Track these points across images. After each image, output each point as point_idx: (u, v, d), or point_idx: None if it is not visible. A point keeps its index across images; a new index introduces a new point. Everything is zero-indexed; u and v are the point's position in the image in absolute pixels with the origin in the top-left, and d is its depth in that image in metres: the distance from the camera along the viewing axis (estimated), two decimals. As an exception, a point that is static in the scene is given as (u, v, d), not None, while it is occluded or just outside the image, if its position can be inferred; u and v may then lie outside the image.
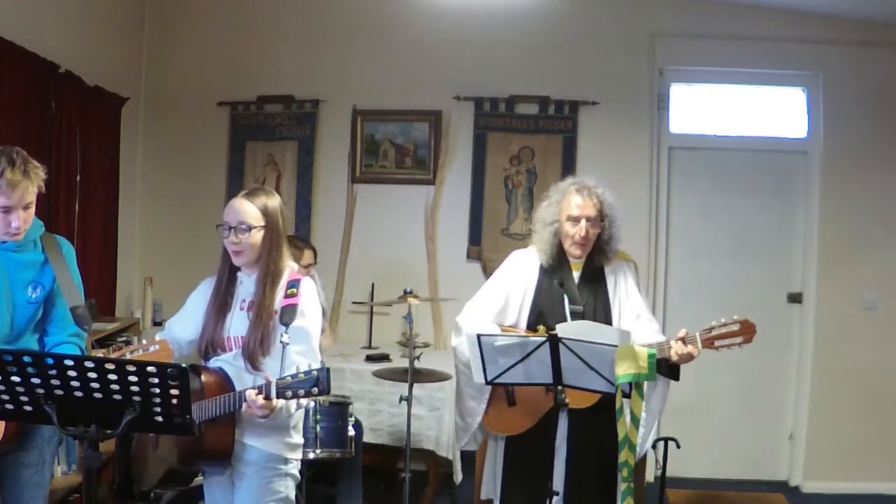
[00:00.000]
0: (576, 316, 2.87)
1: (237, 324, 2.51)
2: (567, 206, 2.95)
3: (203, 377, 2.42)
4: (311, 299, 2.51)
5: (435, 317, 5.03)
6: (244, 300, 2.53)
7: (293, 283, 2.50)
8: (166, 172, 5.26)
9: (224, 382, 2.44)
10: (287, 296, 2.47)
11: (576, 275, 3.00)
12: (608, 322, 2.93)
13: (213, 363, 2.52)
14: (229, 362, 2.50)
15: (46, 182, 2.51)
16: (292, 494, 2.53)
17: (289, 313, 2.42)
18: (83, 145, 4.33)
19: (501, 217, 5.01)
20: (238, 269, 2.57)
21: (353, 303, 4.93)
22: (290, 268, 2.57)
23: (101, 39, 4.69)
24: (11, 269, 2.50)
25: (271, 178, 5.17)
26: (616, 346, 2.52)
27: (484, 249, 5.02)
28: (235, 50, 5.19)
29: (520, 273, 3.05)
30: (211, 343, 2.53)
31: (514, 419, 2.94)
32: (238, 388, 2.40)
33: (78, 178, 4.29)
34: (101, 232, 4.62)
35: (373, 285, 4.92)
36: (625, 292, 3.00)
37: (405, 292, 3.85)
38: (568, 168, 4.88)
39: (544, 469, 2.83)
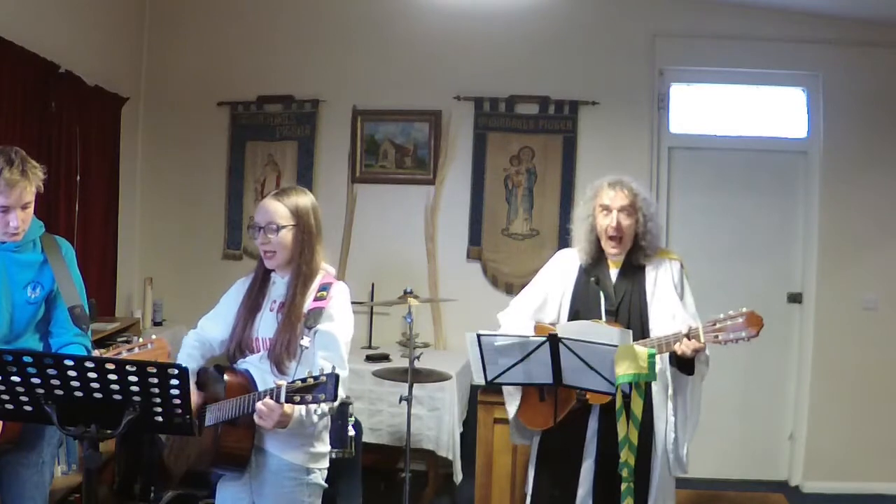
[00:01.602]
0: (610, 315, 2.86)
1: (266, 325, 2.45)
2: (600, 199, 2.94)
3: (227, 377, 2.37)
4: (341, 303, 2.45)
5: (435, 317, 5.03)
6: (274, 301, 2.47)
7: (324, 287, 2.44)
8: (166, 172, 5.27)
9: (248, 384, 2.38)
10: (316, 298, 2.41)
11: (613, 273, 2.96)
12: (643, 321, 2.88)
13: (240, 365, 2.46)
14: (255, 365, 2.43)
15: (46, 182, 2.51)
16: (318, 501, 2.46)
17: (314, 316, 2.37)
18: (83, 145, 4.33)
19: (501, 217, 5.01)
20: (272, 269, 2.51)
21: (353, 303, 4.91)
22: (324, 270, 2.51)
23: (101, 39, 4.70)
24: (11, 269, 2.50)
25: (271, 178, 5.17)
26: (616, 346, 2.52)
27: (484, 249, 5.02)
28: (235, 50, 5.19)
29: (560, 271, 3.05)
30: (239, 345, 2.46)
31: (544, 414, 2.91)
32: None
33: (78, 178, 4.29)
34: (101, 232, 4.62)
35: (373, 285, 4.91)
36: (663, 291, 2.93)
37: (405, 292, 3.85)
38: (568, 168, 4.88)
39: (573, 467, 2.83)
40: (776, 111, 4.95)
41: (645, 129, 4.89)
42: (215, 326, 2.58)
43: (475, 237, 5.03)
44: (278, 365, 2.37)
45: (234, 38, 5.19)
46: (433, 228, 5.06)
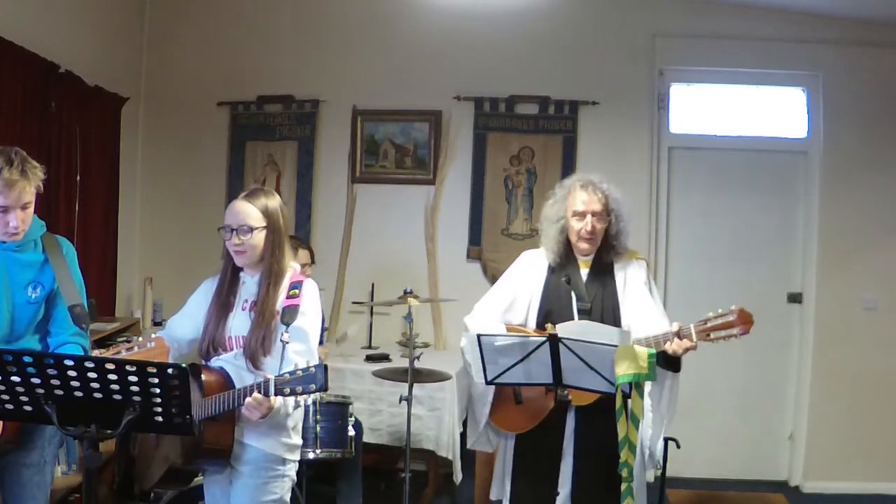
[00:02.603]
0: (583, 313, 2.86)
1: (239, 323, 2.52)
2: (572, 203, 2.93)
3: (204, 376, 2.42)
4: (312, 300, 2.54)
5: (435, 317, 5.03)
6: (246, 300, 2.55)
7: (296, 285, 2.52)
8: (166, 172, 5.27)
9: (225, 382, 2.45)
10: (289, 296, 2.49)
11: (584, 272, 2.98)
12: (616, 319, 2.90)
13: (214, 363, 2.53)
14: (230, 362, 2.50)
15: (46, 182, 2.51)
16: (287, 496, 2.54)
17: (290, 313, 2.45)
18: (83, 145, 4.33)
19: (501, 217, 5.01)
20: (240, 269, 2.59)
21: (353, 303, 4.93)
22: (292, 268, 2.59)
23: (101, 39, 4.69)
24: (11, 269, 2.50)
25: (271, 178, 5.17)
26: (616, 346, 2.52)
27: (484, 249, 5.02)
28: (235, 50, 5.19)
29: (528, 272, 3.04)
30: (212, 343, 2.54)
31: (522, 417, 2.92)
32: (238, 387, 2.41)
33: (78, 178, 4.29)
34: (101, 232, 4.62)
35: (373, 285, 4.91)
36: (634, 289, 2.95)
37: (405, 292, 3.86)
38: (568, 168, 4.88)
39: (552, 468, 2.83)
40: (776, 111, 4.95)
41: (645, 130, 4.89)
42: (184, 326, 2.66)
43: (475, 237, 5.03)
44: (253, 361, 2.45)
45: (234, 38, 5.19)
46: (433, 228, 5.06)
